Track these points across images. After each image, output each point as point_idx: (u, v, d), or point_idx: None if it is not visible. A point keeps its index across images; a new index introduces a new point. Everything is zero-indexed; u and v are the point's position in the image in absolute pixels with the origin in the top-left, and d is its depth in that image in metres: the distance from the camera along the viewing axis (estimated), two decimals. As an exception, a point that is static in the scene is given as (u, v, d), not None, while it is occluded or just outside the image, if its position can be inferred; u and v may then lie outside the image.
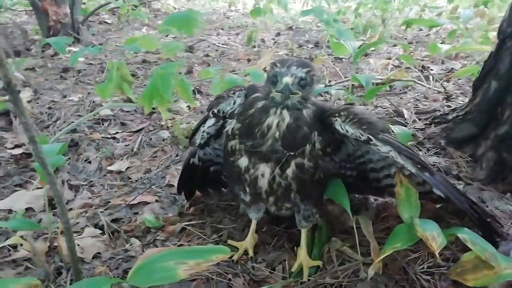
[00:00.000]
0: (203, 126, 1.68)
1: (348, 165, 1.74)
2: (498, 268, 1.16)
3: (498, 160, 1.90)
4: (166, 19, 2.31)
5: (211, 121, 1.66)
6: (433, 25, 4.40)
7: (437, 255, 1.21)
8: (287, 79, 1.38)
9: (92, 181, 2.31)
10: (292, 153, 1.43)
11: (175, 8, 8.82)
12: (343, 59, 4.80)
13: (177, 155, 2.55)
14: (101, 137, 2.79)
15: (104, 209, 2.04)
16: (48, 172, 1.14)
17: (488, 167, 1.94)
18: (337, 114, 1.47)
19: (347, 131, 1.45)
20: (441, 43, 5.49)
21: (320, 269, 1.63)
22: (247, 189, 1.59)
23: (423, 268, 1.50)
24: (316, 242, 1.73)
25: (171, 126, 2.86)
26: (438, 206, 1.79)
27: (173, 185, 2.23)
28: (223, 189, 2.12)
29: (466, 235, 1.27)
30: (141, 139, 2.72)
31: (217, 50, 5.46)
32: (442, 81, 3.66)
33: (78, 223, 1.93)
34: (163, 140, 2.75)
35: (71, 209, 2.04)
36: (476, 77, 2.19)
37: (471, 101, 2.22)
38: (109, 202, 2.10)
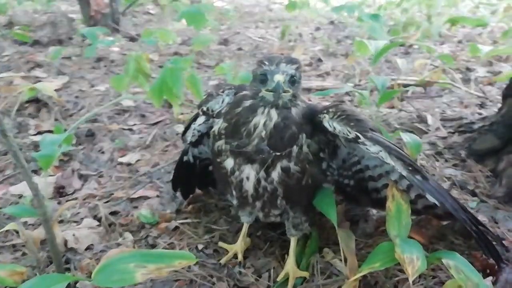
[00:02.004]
0: (194, 124, 1.66)
1: (345, 173, 1.66)
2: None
3: (520, 178, 1.71)
4: (180, 13, 2.30)
5: (201, 119, 1.63)
6: (480, 24, 4.08)
7: (411, 282, 1.10)
8: (279, 77, 1.32)
9: (101, 171, 2.37)
10: (278, 154, 1.37)
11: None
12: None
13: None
14: (118, 128, 2.85)
15: (106, 201, 2.08)
16: (22, 164, 1.16)
17: (508, 184, 1.75)
18: (325, 111, 1.41)
19: (334, 128, 1.39)
20: (494, 42, 5.09)
21: (306, 281, 1.56)
22: (234, 192, 1.54)
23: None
24: (306, 252, 1.65)
25: (186, 120, 2.87)
26: (444, 223, 1.65)
27: (176, 181, 2.23)
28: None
29: (452, 261, 1.14)
30: (156, 133, 2.75)
31: (251, 44, 5.40)
32: (482, 85, 3.38)
33: (79, 213, 1.99)
34: (177, 134, 2.76)
35: (75, 198, 2.11)
36: (507, 84, 1.98)
37: (500, 110, 2.01)
38: (113, 194, 2.14)
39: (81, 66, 4.01)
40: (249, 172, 1.42)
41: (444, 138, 2.23)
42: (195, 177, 1.96)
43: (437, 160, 2.07)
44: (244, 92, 1.46)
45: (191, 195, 2.05)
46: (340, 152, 1.59)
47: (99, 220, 1.93)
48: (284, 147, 1.37)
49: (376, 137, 1.33)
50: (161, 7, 7.15)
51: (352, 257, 1.32)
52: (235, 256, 1.70)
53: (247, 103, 1.41)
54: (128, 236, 1.84)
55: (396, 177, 1.48)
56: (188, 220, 1.92)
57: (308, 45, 5.14)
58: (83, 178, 2.30)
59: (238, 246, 1.71)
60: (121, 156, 2.52)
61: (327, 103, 2.03)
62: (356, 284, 1.27)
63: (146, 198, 2.10)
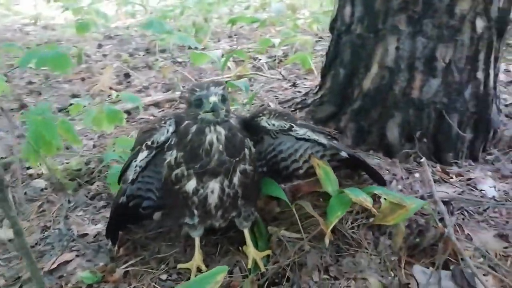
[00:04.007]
0: (135, 161, 1.67)
1: (259, 163, 2.00)
2: (407, 206, 1.62)
3: (358, 128, 2.44)
4: (38, 59, 2.07)
5: (143, 154, 1.67)
6: (253, 20, 4.98)
7: (374, 210, 1.60)
8: (214, 98, 1.54)
9: (-22, 262, 1.94)
10: (237, 159, 1.62)
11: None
12: (182, 63, 4.97)
13: (69, 201, 2.34)
14: (-43, 208, 2.29)
15: (19, 286, 1.78)
16: (34, 264, 1.02)
17: (351, 135, 2.47)
18: (261, 114, 1.74)
19: (273, 124, 1.73)
20: (261, 35, 6.21)
21: (272, 257, 1.85)
22: (195, 212, 1.69)
23: (348, 224, 1.89)
24: (258, 236, 1.94)
25: (44, 173, 2.55)
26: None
27: (86, 234, 2.08)
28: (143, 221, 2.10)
29: (379, 190, 1.70)
30: (17, 197, 2.36)
31: (38, 74, 4.85)
32: (278, 69, 4.26)
33: (-3, 314, 1.65)
34: (42, 190, 2.46)
35: (-26, 302, 1.71)
36: (323, 65, 2.71)
37: (321, 86, 2.74)
38: (19, 277, 1.83)
39: None
40: (214, 186, 1.62)
41: (291, 116, 2.84)
42: (124, 217, 1.92)
43: (297, 133, 2.66)
44: (186, 122, 1.61)
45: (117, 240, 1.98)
46: (260, 146, 1.93)
47: (31, 308, 1.67)
48: (239, 152, 1.63)
49: (302, 122, 1.78)
50: None
51: (318, 216, 1.71)
52: (198, 269, 1.82)
53: (193, 129, 1.59)
54: (82, 305, 1.68)
55: (302, 151, 1.95)
56: (133, 261, 1.89)
57: (105, 64, 5.02)
58: (-41, 279, 1.85)
59: (197, 260, 1.83)
60: (-11, 237, 2.10)
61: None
62: (331, 233, 1.67)
63: (66, 262, 1.90)
